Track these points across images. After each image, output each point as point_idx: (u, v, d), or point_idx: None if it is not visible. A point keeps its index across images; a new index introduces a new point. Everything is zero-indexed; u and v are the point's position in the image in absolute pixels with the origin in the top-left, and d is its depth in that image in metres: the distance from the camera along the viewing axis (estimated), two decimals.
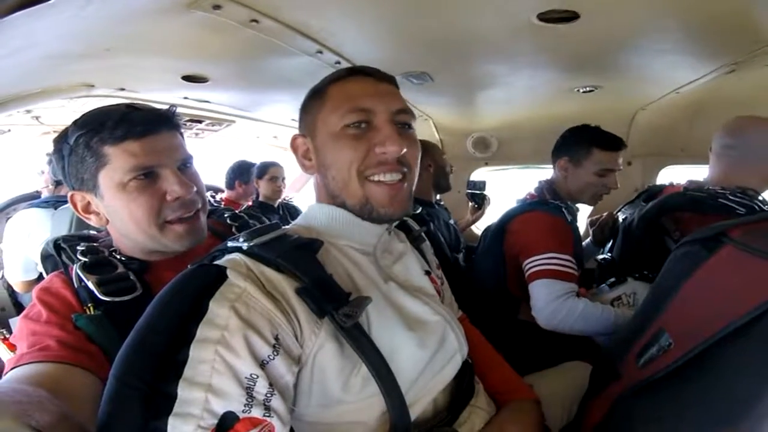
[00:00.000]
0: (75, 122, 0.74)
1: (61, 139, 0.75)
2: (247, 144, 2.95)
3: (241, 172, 2.69)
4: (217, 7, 0.94)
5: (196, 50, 1.23)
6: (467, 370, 0.78)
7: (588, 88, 1.77)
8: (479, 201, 2.43)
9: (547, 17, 1.07)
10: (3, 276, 1.81)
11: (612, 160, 1.46)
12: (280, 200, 2.74)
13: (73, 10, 0.76)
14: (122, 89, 1.56)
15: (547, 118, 2.10)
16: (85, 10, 0.77)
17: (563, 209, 1.45)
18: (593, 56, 1.39)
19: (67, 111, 1.77)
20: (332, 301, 0.59)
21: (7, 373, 0.60)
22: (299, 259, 0.62)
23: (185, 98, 1.78)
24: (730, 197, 1.17)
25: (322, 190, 0.76)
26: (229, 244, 0.65)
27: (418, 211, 1.69)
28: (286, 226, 0.75)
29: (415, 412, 0.63)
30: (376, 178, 0.69)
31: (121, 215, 0.75)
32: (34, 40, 0.86)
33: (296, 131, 0.79)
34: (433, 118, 2.38)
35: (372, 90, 0.70)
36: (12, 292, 1.78)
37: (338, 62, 1.33)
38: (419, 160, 0.75)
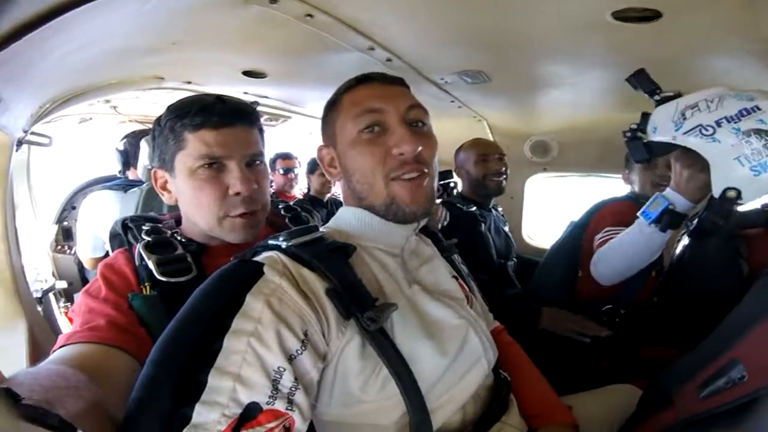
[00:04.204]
0: (169, 106, 0.80)
1: (157, 121, 0.82)
2: (299, 140, 3.03)
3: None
4: (273, 1, 0.95)
5: (255, 45, 1.26)
6: (503, 385, 0.76)
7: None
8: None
9: (623, 16, 0.98)
10: (75, 252, 1.98)
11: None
12: (329, 195, 2.79)
13: (136, 4, 0.81)
14: (189, 82, 1.66)
15: (618, 124, 1.92)
16: (149, 4, 0.82)
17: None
18: (674, 59, 1.24)
19: (141, 102, 1.93)
20: (358, 304, 0.60)
21: (57, 349, 0.64)
22: (332, 261, 0.64)
23: (245, 93, 1.85)
24: None
25: (348, 195, 0.78)
26: (270, 242, 0.67)
27: (473, 209, 1.70)
28: (323, 228, 0.77)
29: (438, 420, 0.63)
30: (403, 176, 0.70)
31: (187, 198, 0.80)
32: (105, 33, 0.92)
33: None
34: (487, 119, 2.28)
35: (380, 92, 0.72)
36: (81, 268, 1.94)
37: (389, 59, 1.30)
38: (436, 157, 0.75)
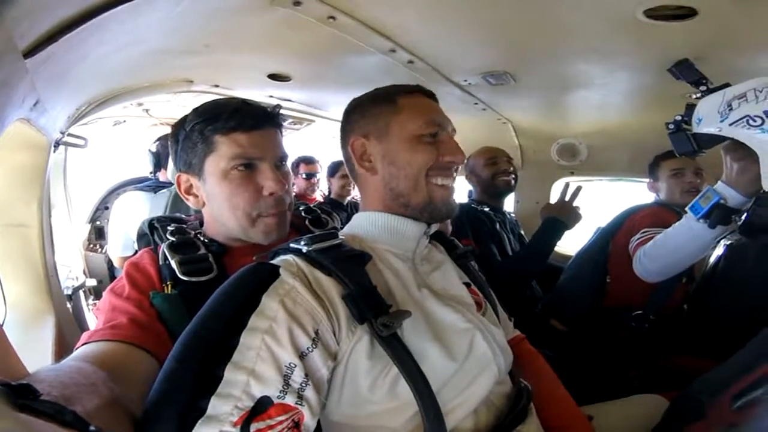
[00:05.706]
0: (195, 110, 0.81)
1: (180, 125, 0.83)
2: (321, 144, 3.05)
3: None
4: (297, 3, 0.96)
5: (279, 48, 1.28)
6: (523, 395, 0.76)
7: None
8: None
9: (656, 14, 0.95)
10: (106, 251, 2.04)
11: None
12: (349, 198, 2.80)
13: (169, 6, 0.83)
14: (217, 86, 1.70)
15: (649, 126, 1.85)
16: (180, 6, 0.84)
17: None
18: (710, 59, 1.17)
19: (172, 105, 1.99)
20: (373, 309, 0.63)
21: (80, 346, 0.65)
22: (349, 268, 0.67)
23: (270, 96, 1.89)
24: None
25: (379, 192, 0.80)
26: (291, 245, 0.71)
27: (486, 209, 1.84)
28: (341, 235, 0.79)
29: (450, 424, 0.63)
30: (439, 181, 0.77)
31: (219, 201, 0.80)
32: (138, 36, 0.96)
33: None
34: (512, 121, 2.23)
35: (436, 108, 0.82)
36: (110, 267, 2.00)
37: (411, 61, 1.29)
38: None
